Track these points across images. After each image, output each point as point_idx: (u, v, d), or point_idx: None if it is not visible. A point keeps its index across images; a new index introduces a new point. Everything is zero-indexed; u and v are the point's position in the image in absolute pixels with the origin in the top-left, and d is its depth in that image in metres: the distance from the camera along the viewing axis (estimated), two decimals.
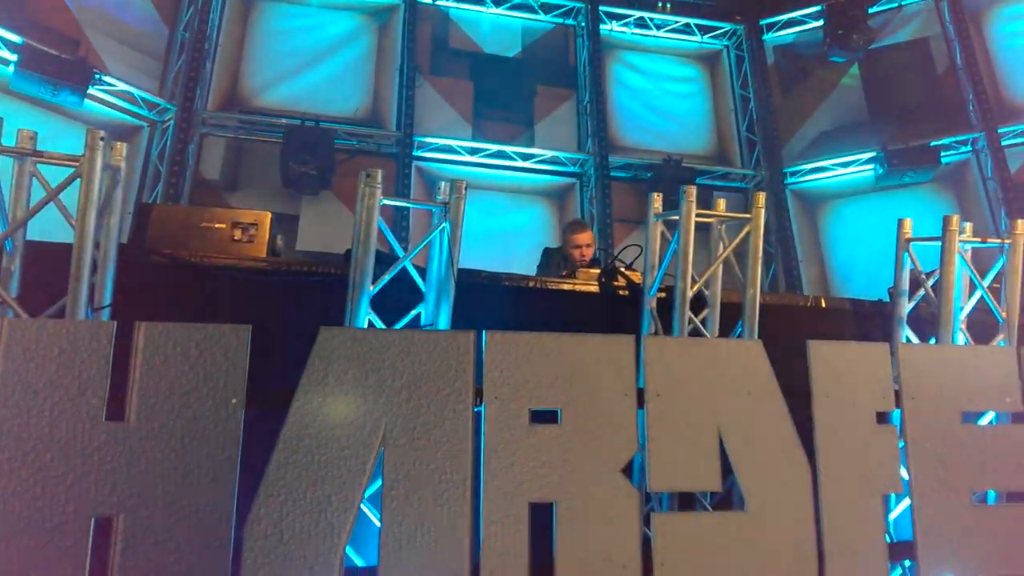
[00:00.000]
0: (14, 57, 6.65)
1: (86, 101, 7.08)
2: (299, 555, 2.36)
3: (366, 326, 2.78)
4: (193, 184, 7.90)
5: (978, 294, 3.41)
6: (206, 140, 8.16)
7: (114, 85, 7.51)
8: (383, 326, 2.85)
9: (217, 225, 3.11)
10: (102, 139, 2.60)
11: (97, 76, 7.21)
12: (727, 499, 2.96)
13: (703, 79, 10.10)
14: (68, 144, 2.68)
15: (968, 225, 3.45)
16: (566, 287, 3.52)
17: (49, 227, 2.75)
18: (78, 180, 2.58)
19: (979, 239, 3.43)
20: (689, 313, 3.12)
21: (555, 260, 4.78)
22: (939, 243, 3.37)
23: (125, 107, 7.75)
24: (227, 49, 8.51)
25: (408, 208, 7.87)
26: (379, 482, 2.48)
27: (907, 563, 3.14)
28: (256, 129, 8.27)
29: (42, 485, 2.21)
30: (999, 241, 3.44)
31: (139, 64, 7.95)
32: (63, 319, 2.46)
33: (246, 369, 2.42)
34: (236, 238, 3.10)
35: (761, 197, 3.13)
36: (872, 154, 8.68)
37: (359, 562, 2.64)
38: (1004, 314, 3.39)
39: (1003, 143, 8.38)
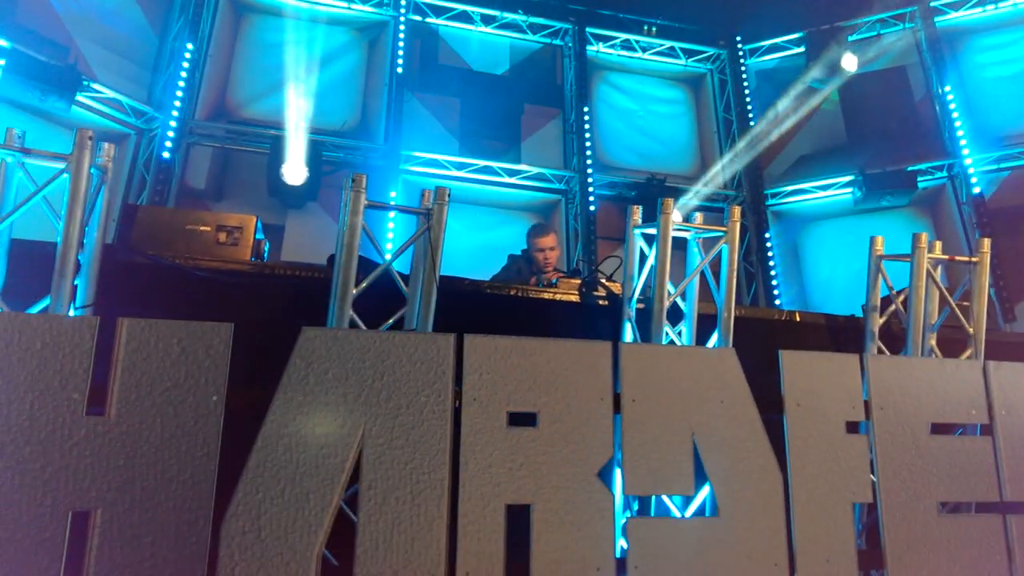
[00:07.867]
0: (3, 62, 6.66)
1: (74, 108, 7.11)
2: (276, 552, 2.37)
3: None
4: (179, 193, 7.93)
5: (947, 310, 3.50)
6: (193, 149, 8.19)
7: (102, 92, 7.54)
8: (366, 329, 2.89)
9: (202, 228, 3.14)
10: (90, 138, 2.65)
11: (86, 83, 7.25)
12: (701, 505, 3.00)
13: (687, 101, 10.30)
14: (55, 150, 2.70)
15: (937, 243, 3.56)
16: (547, 296, 3.58)
17: (35, 228, 2.78)
18: (65, 180, 2.62)
19: (947, 256, 3.53)
20: (666, 324, 3.18)
21: (516, 265, 4.66)
22: (909, 261, 3.47)
23: (113, 114, 7.78)
24: (216, 60, 8.58)
25: (392, 220, 7.92)
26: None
27: (876, 572, 3.20)
28: (243, 139, 8.32)
29: (20, 478, 2.21)
30: (967, 259, 3.54)
31: (128, 72, 8.00)
32: (47, 314, 2.48)
33: (227, 366, 2.44)
34: (220, 241, 3.13)
35: (736, 211, 3.21)
36: (851, 178, 8.87)
37: (335, 562, 2.65)
38: (971, 330, 3.48)
39: (977, 169, 8.60)
